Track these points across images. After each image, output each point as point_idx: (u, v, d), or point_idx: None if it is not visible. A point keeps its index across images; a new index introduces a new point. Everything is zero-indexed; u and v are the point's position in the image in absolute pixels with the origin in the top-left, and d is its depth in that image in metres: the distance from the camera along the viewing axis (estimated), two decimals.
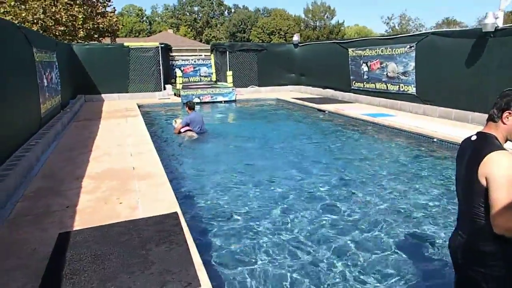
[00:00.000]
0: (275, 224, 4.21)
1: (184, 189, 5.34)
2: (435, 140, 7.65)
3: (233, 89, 15.18)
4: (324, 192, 5.18)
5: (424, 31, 10.70)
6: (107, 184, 4.80)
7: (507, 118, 1.96)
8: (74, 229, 3.56)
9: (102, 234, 3.40)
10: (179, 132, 8.91)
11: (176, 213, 3.80)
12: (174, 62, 18.17)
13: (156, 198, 4.26)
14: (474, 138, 2.07)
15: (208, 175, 5.96)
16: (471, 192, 1.99)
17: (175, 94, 15.56)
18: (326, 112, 11.62)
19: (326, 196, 5.01)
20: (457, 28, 9.19)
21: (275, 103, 14.92)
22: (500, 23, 8.03)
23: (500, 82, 8.04)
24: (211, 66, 18.50)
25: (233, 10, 72.26)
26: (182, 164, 6.64)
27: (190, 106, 9.24)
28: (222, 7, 72.93)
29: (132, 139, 7.49)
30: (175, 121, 9.34)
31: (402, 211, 4.51)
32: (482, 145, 1.96)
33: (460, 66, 9.00)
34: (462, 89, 9.06)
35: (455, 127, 8.37)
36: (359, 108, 11.63)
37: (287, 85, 17.93)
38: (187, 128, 8.91)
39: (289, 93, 17.02)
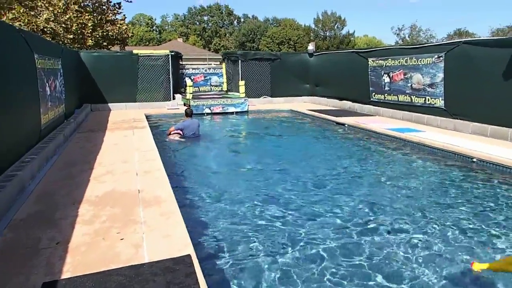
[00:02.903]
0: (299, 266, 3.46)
1: (197, 219, 4.60)
2: (474, 160, 6.86)
3: (245, 100, 14.52)
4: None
5: (455, 40, 9.93)
6: (107, 212, 4.10)
7: None
8: (62, 276, 2.85)
9: (96, 285, 2.69)
10: (169, 134, 9.55)
11: (189, 256, 3.07)
12: (184, 70, 17.60)
13: (164, 233, 3.54)
14: None
15: (224, 202, 5.21)
16: None
17: (184, 104, 14.93)
18: (346, 125, 10.87)
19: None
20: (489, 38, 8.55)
21: (289, 115, 14.21)
22: None
23: None
24: (222, 75, 17.90)
25: (242, 20, 72.20)
26: (194, 186, 5.91)
27: (187, 113, 9.91)
28: (232, 17, 72.94)
29: (139, 154, 6.81)
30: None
31: None
32: None
33: (497, 77, 8.23)
34: (500, 103, 8.27)
35: (493, 145, 7.56)
36: (381, 121, 10.87)
37: (301, 96, 17.22)
38: (176, 132, 9.46)
39: (304, 104, 16.31)
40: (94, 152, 6.97)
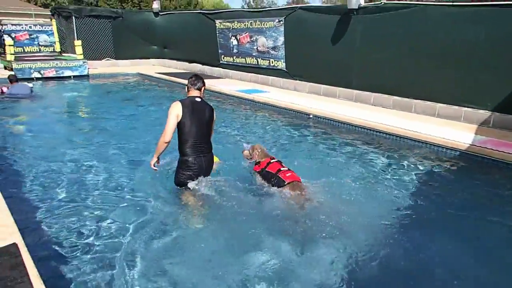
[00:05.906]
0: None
1: (25, 202, 3.84)
2: (310, 116, 7.66)
3: (84, 62, 12.92)
4: None
5: (292, 6, 10.66)
6: None
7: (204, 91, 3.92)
8: None
9: None
10: None
11: (15, 245, 2.55)
12: (1, 27, 14.54)
13: None
14: (199, 100, 3.76)
15: (54, 180, 4.44)
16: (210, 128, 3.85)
17: (5, 68, 12.45)
18: None
19: None
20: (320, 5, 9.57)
21: (137, 79, 13.30)
22: (362, 1, 8.35)
23: (362, 58, 8.47)
24: (53, 33, 15.44)
25: None
26: (22, 163, 4.96)
27: (11, 79, 9.18)
28: None
29: None
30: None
31: None
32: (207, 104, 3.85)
33: (326, 42, 9.19)
34: (328, 65, 9.32)
35: (326, 102, 8.56)
36: (230, 84, 11.13)
37: (149, 58, 16.28)
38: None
39: (152, 67, 15.49)
40: None
